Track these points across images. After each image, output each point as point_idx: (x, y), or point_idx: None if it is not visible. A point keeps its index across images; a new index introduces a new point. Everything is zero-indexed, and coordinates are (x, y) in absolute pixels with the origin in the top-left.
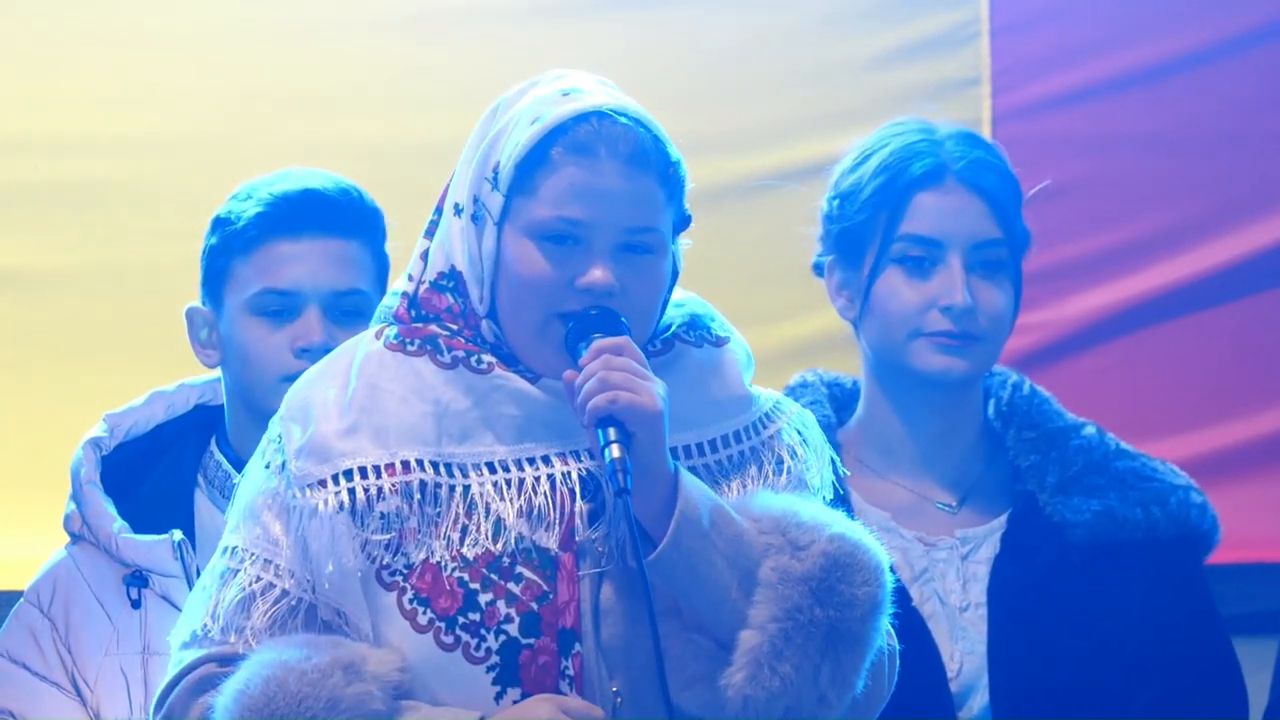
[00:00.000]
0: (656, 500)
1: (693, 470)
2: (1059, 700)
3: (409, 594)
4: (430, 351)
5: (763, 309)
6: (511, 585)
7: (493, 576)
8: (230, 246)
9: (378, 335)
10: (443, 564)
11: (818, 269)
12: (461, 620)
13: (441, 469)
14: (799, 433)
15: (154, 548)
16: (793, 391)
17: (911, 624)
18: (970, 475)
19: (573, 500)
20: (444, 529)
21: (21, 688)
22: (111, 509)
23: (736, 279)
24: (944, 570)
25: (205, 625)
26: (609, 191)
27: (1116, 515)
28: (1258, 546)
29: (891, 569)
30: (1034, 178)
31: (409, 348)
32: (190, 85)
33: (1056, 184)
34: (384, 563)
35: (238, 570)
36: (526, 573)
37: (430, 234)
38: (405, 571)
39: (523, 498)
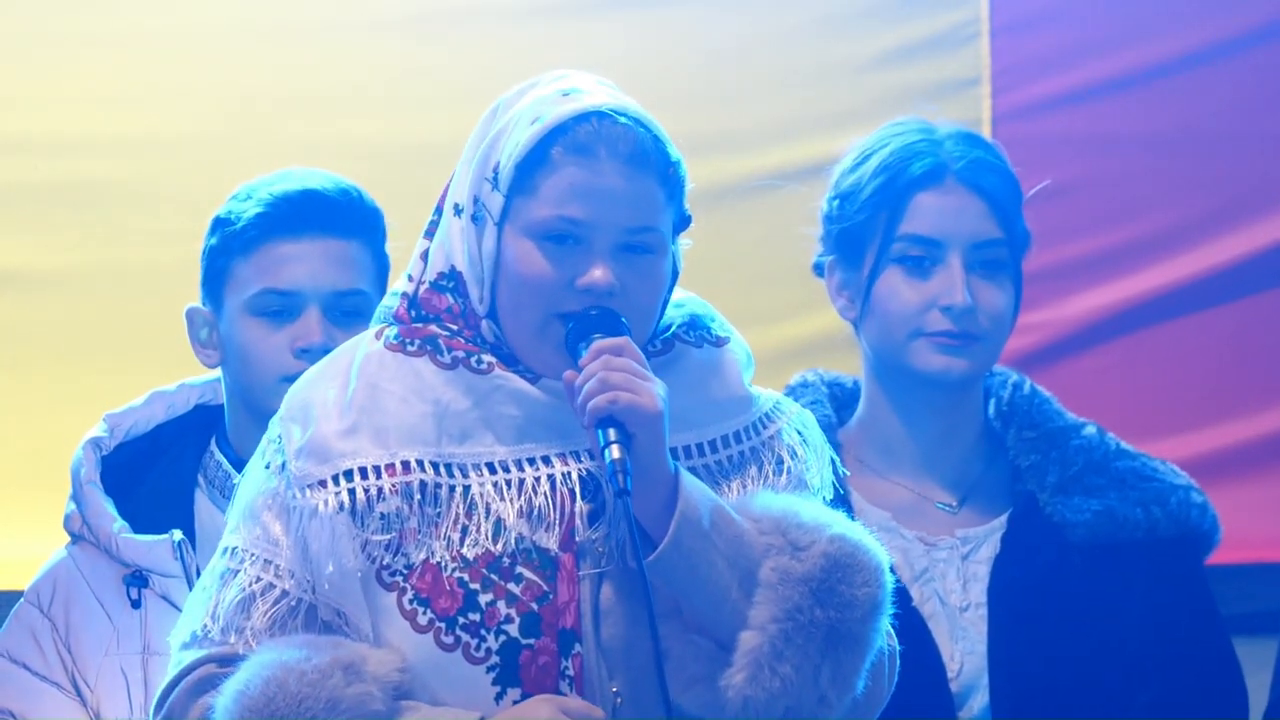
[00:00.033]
0: (657, 501)
1: (693, 470)
2: (1059, 700)
3: (409, 594)
4: (430, 352)
5: (763, 309)
6: (512, 586)
7: (493, 577)
8: (230, 247)
9: (378, 335)
10: (443, 564)
11: (818, 269)
12: (461, 620)
13: (442, 469)
14: (799, 433)
15: (154, 548)
16: (793, 391)
17: (912, 624)
18: (971, 475)
19: (573, 500)
20: (444, 529)
21: (22, 688)
22: (111, 509)
23: (736, 279)
24: (944, 570)
25: (205, 626)
26: (609, 191)
27: (1117, 515)
28: (1258, 546)
29: (892, 569)
30: (1034, 178)
31: (409, 348)
32: (190, 85)
33: (1056, 184)
34: (384, 563)
35: (238, 571)
36: (526, 573)
37: (430, 234)
38: (405, 572)
39: (523, 498)
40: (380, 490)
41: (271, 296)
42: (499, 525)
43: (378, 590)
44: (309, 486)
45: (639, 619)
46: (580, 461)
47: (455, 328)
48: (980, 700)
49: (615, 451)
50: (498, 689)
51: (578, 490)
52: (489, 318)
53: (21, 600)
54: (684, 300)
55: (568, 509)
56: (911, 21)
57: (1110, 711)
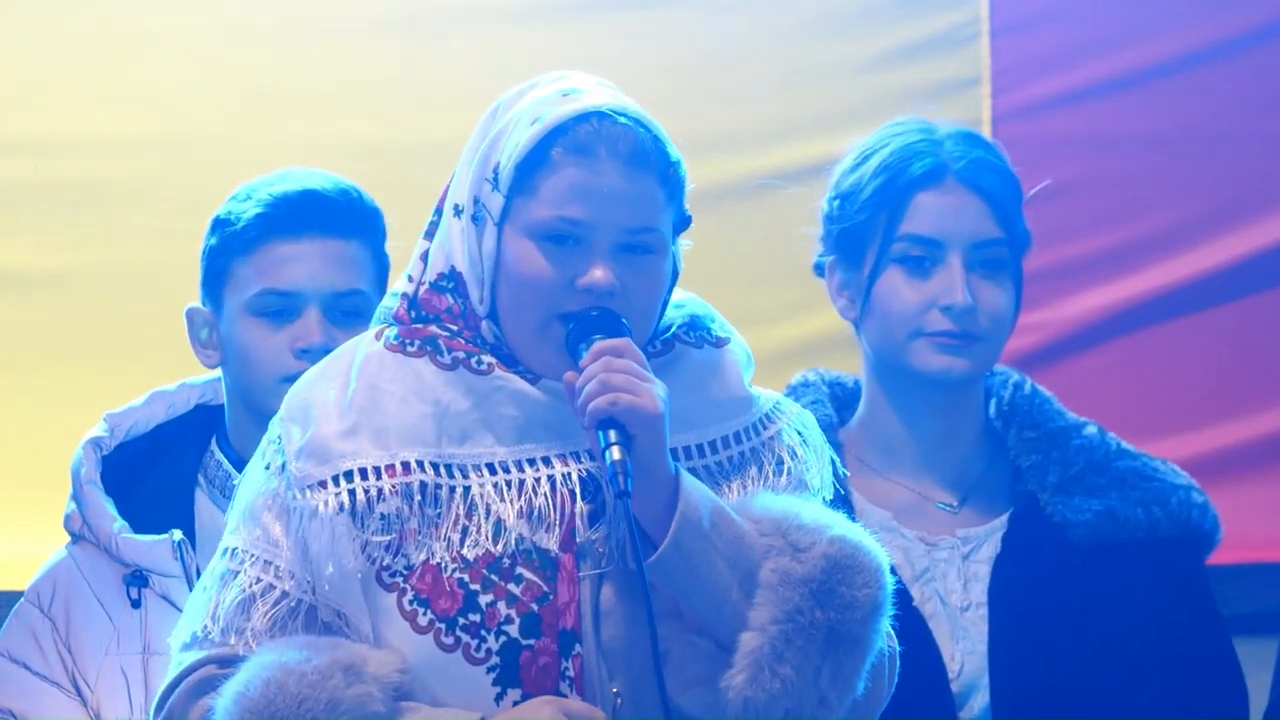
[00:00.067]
0: (657, 502)
1: (693, 471)
2: (1060, 700)
3: (409, 595)
4: (430, 352)
5: (763, 309)
6: (512, 586)
7: (493, 577)
8: (230, 247)
9: (378, 336)
10: (443, 565)
11: (818, 269)
12: (462, 621)
13: (442, 470)
14: (799, 433)
15: (154, 548)
16: (794, 391)
17: (912, 624)
18: (971, 475)
19: (573, 501)
20: (444, 530)
21: (22, 688)
22: (112, 509)
23: (736, 279)
24: (945, 570)
25: (205, 627)
26: (609, 191)
27: (1117, 515)
28: (1258, 546)
29: (892, 569)
30: (1034, 178)
31: (409, 349)
32: (190, 85)
33: (1056, 184)
34: (384, 564)
35: (238, 572)
36: (527, 574)
37: (430, 235)
38: (405, 573)
39: (523, 499)
40: (380, 491)
41: (271, 297)
42: (499, 526)
43: (378, 591)
44: (309, 487)
45: (639, 620)
46: (580, 462)
47: (455, 328)
48: (981, 700)
49: (616, 453)
50: (498, 690)
51: (578, 491)
52: (489, 318)
53: (22, 600)
54: (684, 301)
55: (568, 510)
56: (911, 21)
57: (1111, 711)
